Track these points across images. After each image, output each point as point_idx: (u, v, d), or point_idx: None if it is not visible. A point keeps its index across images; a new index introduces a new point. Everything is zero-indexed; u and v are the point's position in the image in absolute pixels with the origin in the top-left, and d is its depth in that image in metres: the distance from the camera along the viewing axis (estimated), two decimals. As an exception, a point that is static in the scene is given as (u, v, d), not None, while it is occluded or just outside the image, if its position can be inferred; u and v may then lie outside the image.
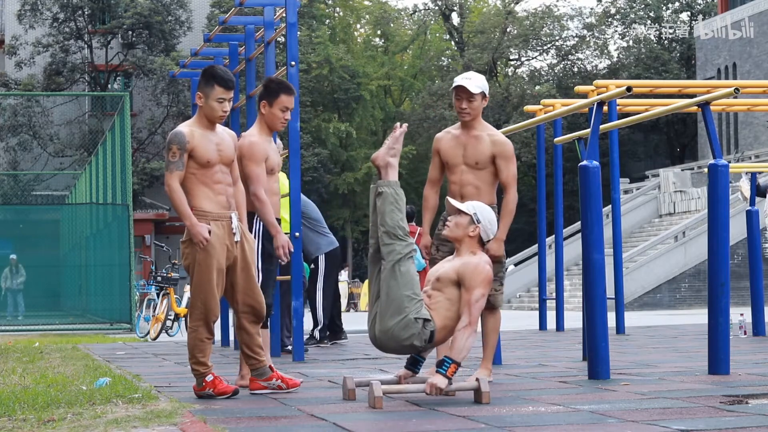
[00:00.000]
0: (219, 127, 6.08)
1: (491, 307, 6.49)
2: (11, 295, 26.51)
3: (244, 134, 6.72)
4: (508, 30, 46.19)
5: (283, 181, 9.46)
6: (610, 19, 47.63)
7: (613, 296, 12.30)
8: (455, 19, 49.67)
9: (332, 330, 11.16)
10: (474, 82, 6.59)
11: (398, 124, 5.92)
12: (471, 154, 6.63)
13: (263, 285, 6.61)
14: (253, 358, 6.10)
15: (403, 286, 5.53)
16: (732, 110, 20.51)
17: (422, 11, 49.87)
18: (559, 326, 13.29)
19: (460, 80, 6.61)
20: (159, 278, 16.23)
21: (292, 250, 6.72)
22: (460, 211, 5.76)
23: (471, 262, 5.61)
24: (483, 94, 6.62)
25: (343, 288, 31.52)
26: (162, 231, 42.84)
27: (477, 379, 5.44)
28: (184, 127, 5.97)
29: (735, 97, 8.17)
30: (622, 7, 47.45)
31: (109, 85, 44.23)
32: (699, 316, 15.79)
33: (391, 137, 5.85)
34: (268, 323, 6.65)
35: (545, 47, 47.90)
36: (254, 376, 6.13)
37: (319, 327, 10.87)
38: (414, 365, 5.85)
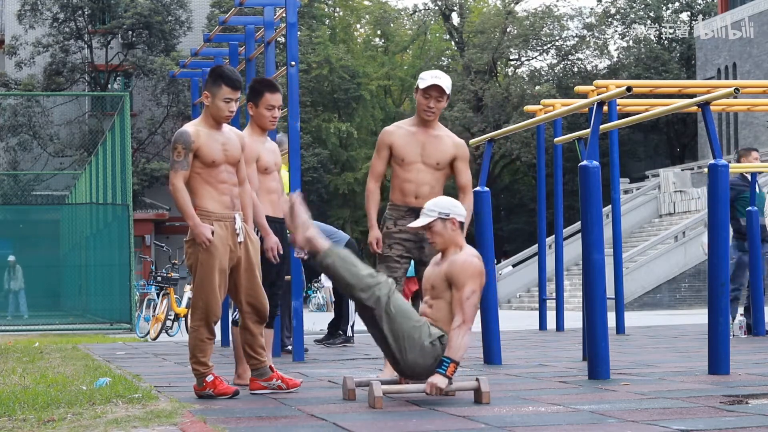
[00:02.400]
0: (225, 127, 6.05)
1: None
2: (13, 296, 26.50)
3: None
4: (508, 30, 46.17)
5: (285, 180, 9.45)
6: (610, 19, 47.62)
7: (613, 296, 12.29)
8: (455, 19, 49.65)
9: (330, 331, 11.19)
10: (445, 82, 6.56)
11: (288, 196, 5.74)
12: (431, 154, 6.61)
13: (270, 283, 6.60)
14: (255, 358, 6.10)
15: (403, 321, 5.48)
16: (732, 110, 20.50)
17: (422, 11, 49.87)
18: (559, 326, 13.28)
19: (432, 80, 6.53)
20: (159, 278, 16.24)
21: (281, 252, 6.62)
22: (427, 225, 5.63)
23: (457, 260, 5.56)
24: (447, 96, 6.63)
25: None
26: (162, 231, 42.83)
27: (477, 379, 5.44)
28: (190, 127, 5.97)
29: (735, 97, 8.16)
30: (622, 7, 47.45)
31: (109, 85, 44.23)
32: (699, 316, 15.78)
33: (286, 218, 5.68)
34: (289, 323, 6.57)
35: (545, 47, 47.89)
36: (255, 376, 6.13)
37: (350, 324, 10.97)
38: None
